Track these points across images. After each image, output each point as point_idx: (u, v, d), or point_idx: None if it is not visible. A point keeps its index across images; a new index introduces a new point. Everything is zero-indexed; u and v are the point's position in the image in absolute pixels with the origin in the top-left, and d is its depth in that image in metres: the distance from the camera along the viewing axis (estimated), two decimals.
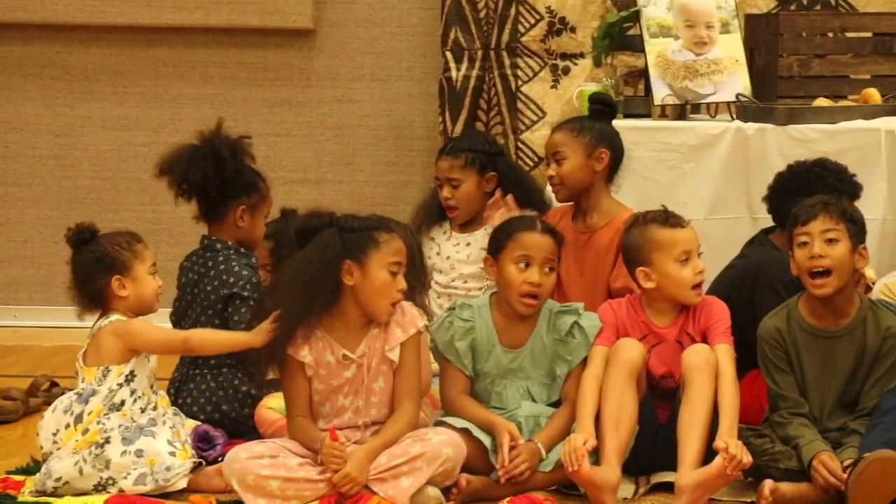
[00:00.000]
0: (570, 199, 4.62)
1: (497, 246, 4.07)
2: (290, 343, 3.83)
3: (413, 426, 3.82)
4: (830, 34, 5.23)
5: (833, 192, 4.31)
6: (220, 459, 3.90)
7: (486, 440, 3.88)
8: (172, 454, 3.83)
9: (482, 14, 5.77)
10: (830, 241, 3.93)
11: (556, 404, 4.05)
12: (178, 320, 4.44)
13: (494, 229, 4.18)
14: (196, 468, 3.86)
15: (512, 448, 3.84)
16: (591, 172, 4.54)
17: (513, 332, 4.08)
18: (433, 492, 3.72)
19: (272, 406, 4.15)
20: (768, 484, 3.74)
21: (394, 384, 3.88)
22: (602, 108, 4.65)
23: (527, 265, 4.01)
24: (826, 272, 3.92)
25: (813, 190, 4.26)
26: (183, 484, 3.81)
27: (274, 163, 5.99)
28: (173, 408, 4.07)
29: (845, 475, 3.69)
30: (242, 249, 4.43)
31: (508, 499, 3.75)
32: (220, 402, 4.28)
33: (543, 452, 3.88)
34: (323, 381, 3.86)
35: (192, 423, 4.08)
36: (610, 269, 4.44)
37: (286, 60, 6.00)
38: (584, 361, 4.02)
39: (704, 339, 4.02)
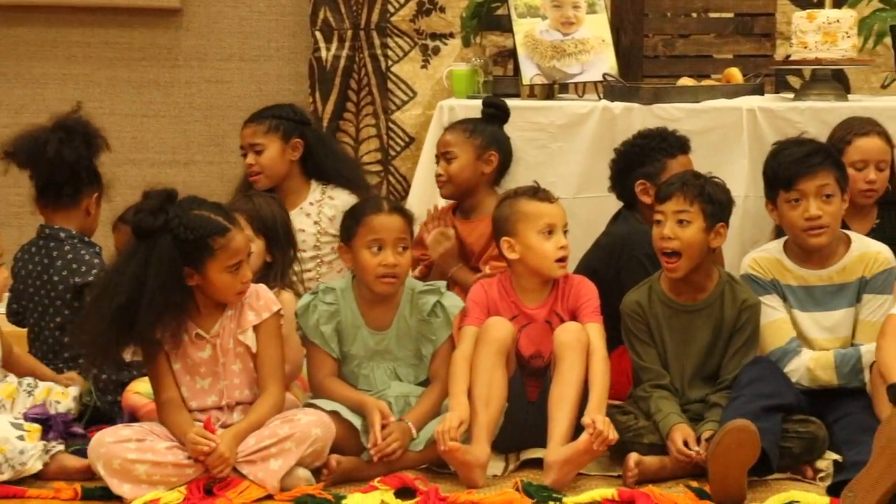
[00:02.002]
0: (454, 196, 4.67)
1: (348, 233, 4.06)
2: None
3: (279, 409, 3.82)
4: (694, 14, 5.33)
5: (662, 153, 4.48)
6: (61, 440, 3.87)
7: (357, 421, 3.88)
8: (21, 438, 3.76)
9: None
10: (681, 222, 4.02)
11: (424, 384, 4.08)
12: (20, 314, 4.38)
13: (344, 215, 4.17)
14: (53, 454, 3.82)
15: (383, 427, 3.86)
16: (478, 174, 4.61)
17: (377, 314, 4.08)
18: (303, 473, 3.72)
19: (139, 391, 4.12)
20: (633, 457, 3.80)
21: (256, 368, 3.87)
22: (495, 112, 4.71)
23: (379, 248, 4.00)
24: (675, 253, 4.02)
25: (645, 160, 4.42)
26: (39, 465, 3.76)
27: (141, 144, 5.93)
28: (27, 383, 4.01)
29: (699, 447, 3.78)
30: (86, 238, 4.38)
31: (379, 479, 3.75)
32: (81, 393, 4.22)
33: (414, 432, 3.90)
34: (179, 360, 3.84)
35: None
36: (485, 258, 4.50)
37: (153, 40, 5.92)
38: (450, 340, 4.06)
39: (573, 319, 4.07)
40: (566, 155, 4.92)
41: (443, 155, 4.63)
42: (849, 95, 5.12)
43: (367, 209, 4.07)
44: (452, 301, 4.09)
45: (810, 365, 4.07)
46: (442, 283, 4.19)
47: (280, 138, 4.69)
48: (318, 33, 5.78)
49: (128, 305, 3.67)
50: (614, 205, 4.74)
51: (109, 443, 3.68)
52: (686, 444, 3.82)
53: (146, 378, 4.05)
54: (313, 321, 4.02)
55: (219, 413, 3.82)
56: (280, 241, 4.20)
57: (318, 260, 4.72)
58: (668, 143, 4.54)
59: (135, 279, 3.68)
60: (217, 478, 3.68)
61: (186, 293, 3.76)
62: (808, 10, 4.99)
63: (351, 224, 4.06)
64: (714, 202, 4.05)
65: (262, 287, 3.92)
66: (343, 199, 4.69)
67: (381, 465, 3.84)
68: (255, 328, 3.86)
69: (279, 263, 4.18)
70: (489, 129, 4.66)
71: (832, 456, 3.91)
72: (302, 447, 3.70)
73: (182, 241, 3.70)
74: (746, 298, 4.08)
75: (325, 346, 4.03)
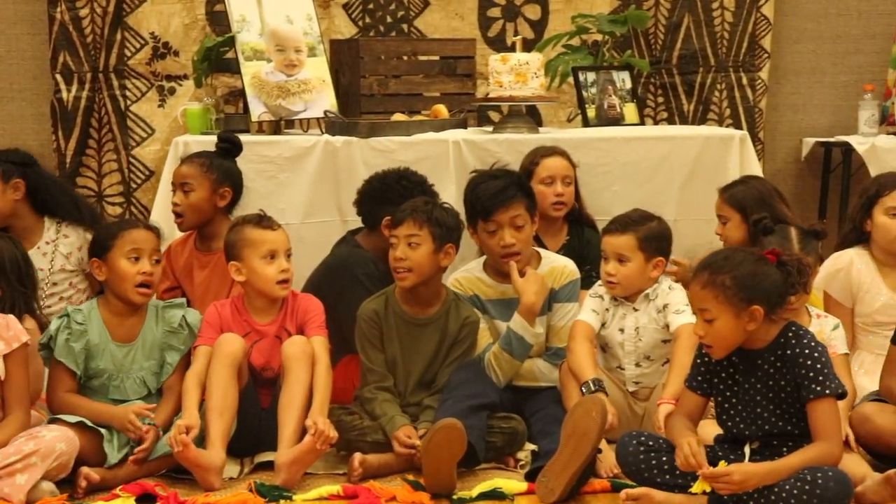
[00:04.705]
0: (191, 227, 4.66)
1: (104, 247, 4.04)
2: None
3: (24, 430, 3.74)
4: (405, 57, 5.42)
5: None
6: None
7: (103, 429, 3.83)
8: None
9: (89, 39, 5.67)
10: (411, 244, 4.12)
11: None
12: None
13: (97, 233, 4.16)
14: None
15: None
16: (213, 207, 4.61)
17: (124, 328, 4.06)
18: (47, 486, 3.66)
19: None
20: (357, 457, 3.88)
21: (3, 394, 3.79)
22: (229, 147, 4.71)
23: (137, 259, 4.03)
24: (407, 270, 4.12)
25: (401, 200, 4.39)
26: None
27: None
28: None
29: (419, 444, 3.86)
30: None
31: (120, 487, 3.73)
32: None
33: (160, 432, 3.89)
34: None
35: None
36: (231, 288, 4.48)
37: None
38: (188, 354, 4.08)
39: (300, 333, 4.12)
40: (293, 184, 4.94)
41: (180, 186, 4.61)
42: (540, 128, 5.32)
43: (125, 224, 4.12)
44: (195, 316, 4.13)
45: (490, 359, 4.22)
46: (184, 300, 4.24)
47: (0, 181, 4.58)
48: (58, 76, 5.67)
49: None
50: (338, 228, 4.83)
51: None
52: (409, 437, 3.90)
53: None
54: (63, 340, 3.97)
55: None
56: (7, 274, 4.06)
57: (58, 297, 4.63)
58: (426, 195, 4.50)
59: None
60: None
61: None
62: (501, 54, 5.14)
63: (107, 238, 4.05)
64: (442, 226, 4.15)
65: (11, 318, 3.84)
66: (78, 235, 4.65)
67: (127, 471, 3.81)
68: (5, 357, 3.78)
69: (9, 296, 4.04)
70: (224, 164, 4.66)
71: (530, 446, 4.06)
72: (47, 461, 3.64)
73: None
74: (469, 315, 4.21)
75: (73, 363, 3.96)
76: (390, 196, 4.51)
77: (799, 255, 3.74)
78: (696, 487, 3.39)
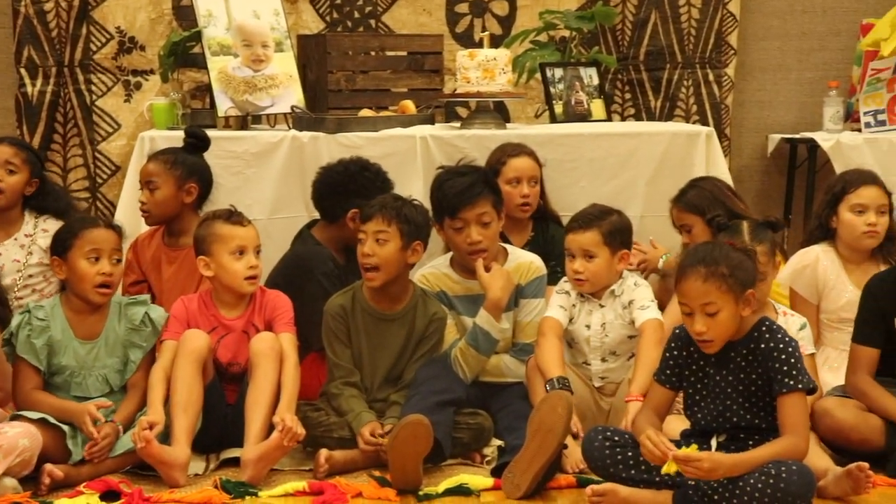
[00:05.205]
0: (158, 223, 4.63)
1: (64, 246, 4.02)
2: None
3: None
4: (372, 53, 5.40)
5: (380, 192, 4.46)
6: None
7: (65, 426, 3.80)
8: None
9: (54, 33, 5.64)
10: (379, 241, 4.11)
11: None
12: None
13: (58, 231, 4.13)
14: None
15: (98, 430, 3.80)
16: (180, 203, 4.57)
17: (87, 325, 4.03)
18: (10, 483, 3.62)
19: None
20: (323, 453, 3.86)
21: None
22: (195, 142, 4.68)
23: (97, 259, 4.00)
24: (374, 268, 4.10)
25: (366, 194, 4.38)
26: None
27: None
28: None
29: (384, 440, 3.86)
30: None
31: (84, 484, 3.70)
32: None
33: (121, 430, 3.85)
34: None
35: None
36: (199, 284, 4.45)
37: None
38: (153, 351, 4.04)
39: (268, 329, 4.10)
40: (260, 180, 4.92)
41: (146, 184, 4.59)
42: (507, 124, 5.31)
43: (85, 224, 4.06)
44: (158, 313, 4.10)
45: (457, 355, 4.21)
46: (147, 297, 4.20)
47: (29, 172, 4.59)
48: (23, 70, 5.65)
49: None
50: (305, 223, 4.79)
51: None
52: (373, 434, 3.90)
53: None
54: (24, 336, 3.94)
55: None
56: None
57: (31, 289, 4.60)
58: (385, 186, 4.53)
59: None
60: None
61: None
62: (469, 50, 5.14)
63: (68, 237, 4.03)
64: (411, 223, 4.13)
65: None
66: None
67: (90, 468, 3.77)
68: None
69: None
70: (190, 159, 4.62)
71: (497, 442, 4.06)
72: (9, 458, 3.61)
73: None
74: (436, 312, 4.20)
75: (35, 359, 3.94)
76: (353, 188, 4.50)
77: (747, 246, 3.77)
78: (666, 468, 3.39)
